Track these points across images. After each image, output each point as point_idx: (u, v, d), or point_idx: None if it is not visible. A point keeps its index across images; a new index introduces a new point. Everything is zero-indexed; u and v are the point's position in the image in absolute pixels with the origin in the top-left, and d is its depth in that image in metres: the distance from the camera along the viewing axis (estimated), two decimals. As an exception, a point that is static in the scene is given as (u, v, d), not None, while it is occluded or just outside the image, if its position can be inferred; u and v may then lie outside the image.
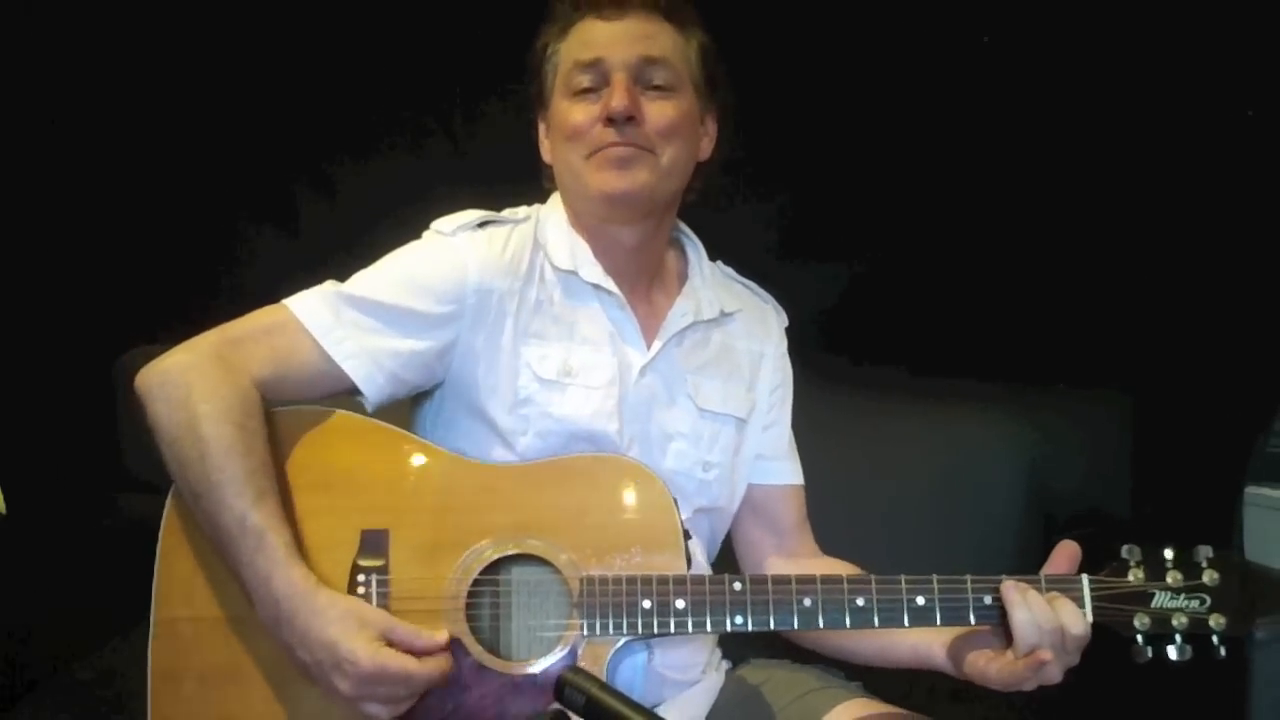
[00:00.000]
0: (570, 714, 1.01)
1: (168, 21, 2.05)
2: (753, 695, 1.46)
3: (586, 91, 1.38)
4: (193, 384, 1.26)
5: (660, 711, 1.36)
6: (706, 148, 1.47)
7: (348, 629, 1.18)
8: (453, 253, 1.37)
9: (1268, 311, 1.97)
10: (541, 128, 1.47)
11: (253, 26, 2.07)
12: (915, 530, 2.02)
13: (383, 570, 1.27)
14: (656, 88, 1.38)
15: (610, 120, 1.35)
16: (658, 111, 1.37)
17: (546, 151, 1.47)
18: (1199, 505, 1.96)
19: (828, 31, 2.08)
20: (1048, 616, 1.22)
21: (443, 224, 1.41)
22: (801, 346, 1.60)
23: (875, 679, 1.48)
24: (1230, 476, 2.00)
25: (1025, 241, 2.14)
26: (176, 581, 1.29)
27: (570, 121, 1.38)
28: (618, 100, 1.34)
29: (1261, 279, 1.98)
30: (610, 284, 1.42)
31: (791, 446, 1.57)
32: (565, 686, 1.01)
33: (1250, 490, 2.02)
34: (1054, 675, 1.24)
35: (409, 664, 1.18)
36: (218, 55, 2.07)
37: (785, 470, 1.55)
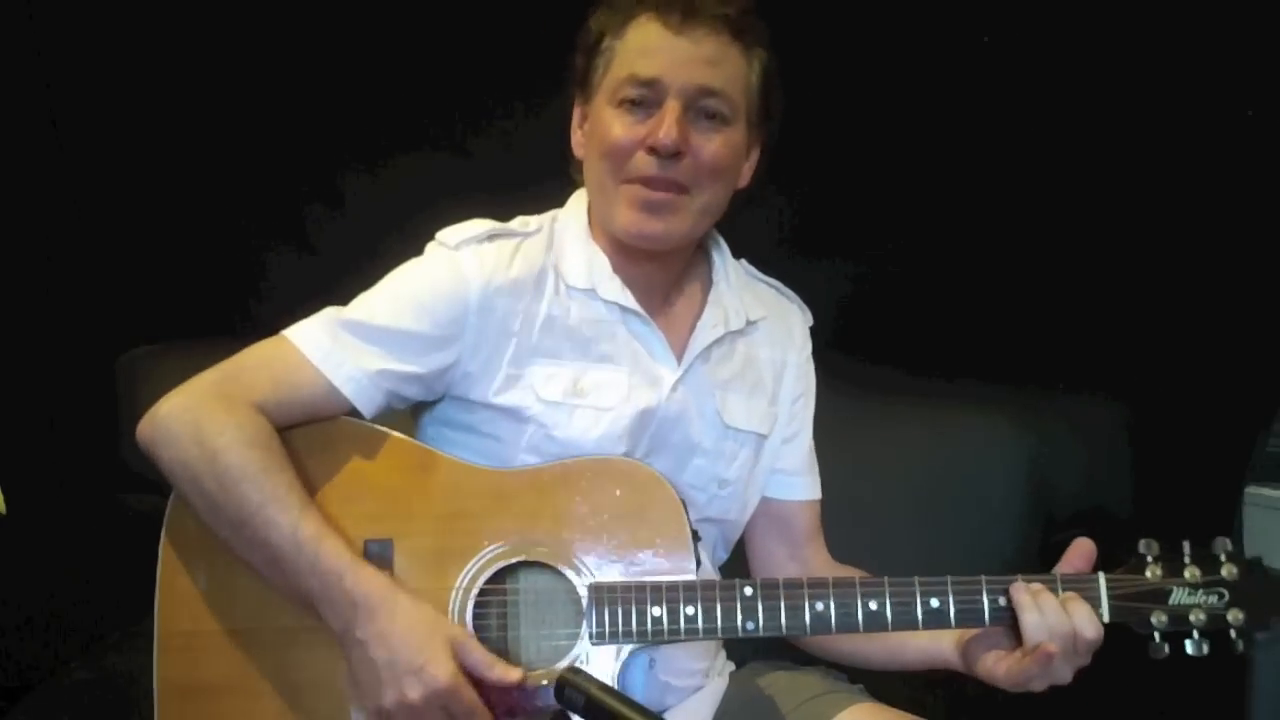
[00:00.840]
0: (570, 714, 1.01)
1: (173, 24, 2.05)
2: (757, 699, 1.45)
3: (635, 105, 1.31)
4: (200, 421, 1.24)
5: (665, 718, 1.36)
6: (746, 174, 1.41)
7: (434, 639, 1.17)
8: (455, 270, 1.33)
9: (1268, 312, 1.97)
10: (577, 114, 1.40)
11: (262, 33, 2.07)
12: (915, 530, 2.02)
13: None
14: (711, 117, 1.31)
15: (653, 150, 1.29)
16: (706, 146, 1.31)
17: (578, 144, 1.40)
18: (1199, 505, 1.96)
19: (829, 31, 2.07)
20: (1060, 620, 1.21)
21: (448, 235, 1.36)
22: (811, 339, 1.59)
23: (876, 681, 1.48)
24: (1230, 476, 2.00)
25: (1025, 241, 2.14)
26: (180, 595, 1.28)
27: (610, 136, 1.31)
28: (665, 133, 1.27)
29: (1262, 279, 1.98)
30: (631, 300, 1.37)
31: (811, 459, 1.53)
32: (565, 687, 1.01)
33: (1250, 490, 2.02)
34: (1064, 675, 1.24)
35: (479, 704, 1.17)
36: (219, 56, 2.07)
37: (803, 485, 1.52)
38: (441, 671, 1.16)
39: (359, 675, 1.20)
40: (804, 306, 1.56)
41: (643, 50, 1.31)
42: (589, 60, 1.36)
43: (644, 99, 1.31)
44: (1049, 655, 1.20)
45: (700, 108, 1.31)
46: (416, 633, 1.17)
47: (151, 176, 2.11)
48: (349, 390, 1.30)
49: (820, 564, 1.52)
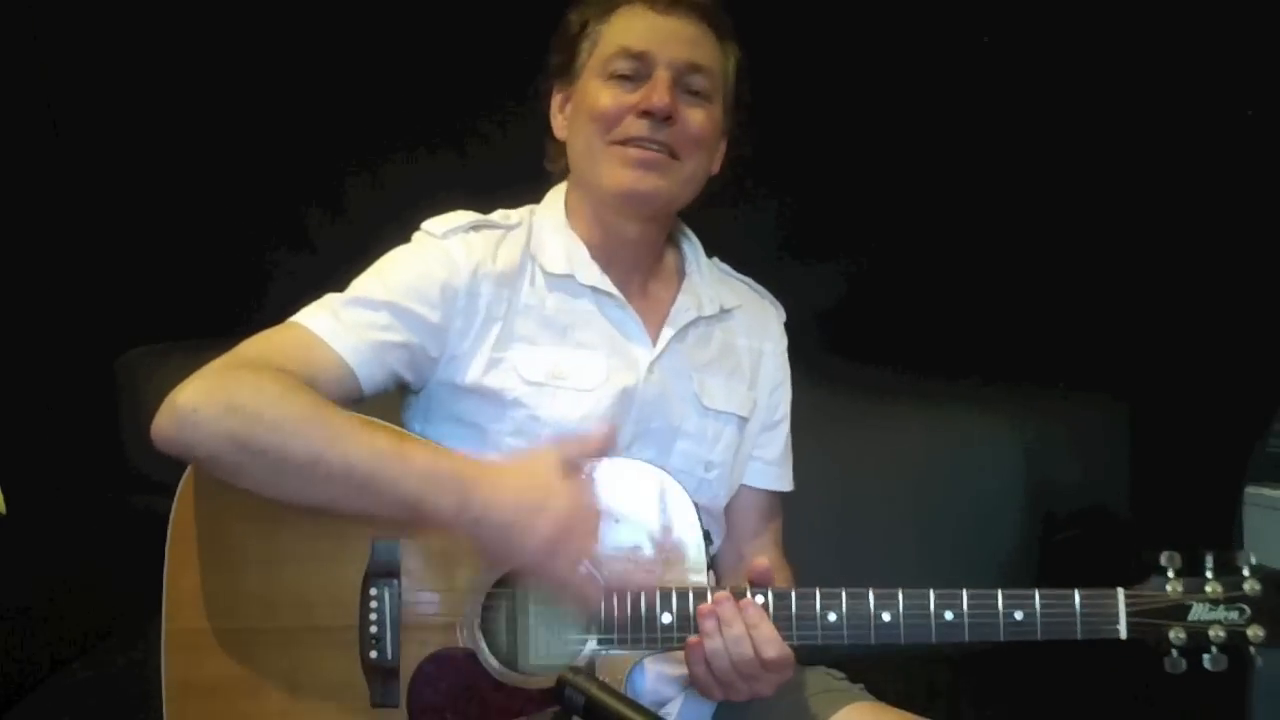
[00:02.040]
0: (570, 714, 1.01)
1: (172, 26, 2.05)
2: (757, 699, 1.44)
3: (624, 79, 1.37)
4: (230, 393, 1.22)
5: (664, 715, 1.36)
6: (717, 162, 1.46)
7: (536, 469, 1.21)
8: (445, 255, 1.36)
9: (1267, 312, 1.97)
10: (556, 101, 1.46)
11: (259, 33, 2.07)
12: (914, 530, 2.03)
13: (395, 580, 1.26)
14: (694, 93, 1.38)
15: (647, 113, 1.34)
16: (693, 117, 1.38)
17: (560, 127, 1.45)
18: (1199, 505, 1.96)
19: (828, 31, 2.07)
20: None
21: (434, 225, 1.39)
22: (800, 346, 1.60)
23: (876, 680, 1.48)
24: (1230, 476, 2.00)
25: (1024, 242, 2.14)
26: (186, 593, 1.28)
27: (599, 103, 1.37)
28: (659, 97, 1.34)
29: (1262, 280, 1.98)
30: (608, 284, 1.41)
31: (787, 450, 1.55)
32: (565, 687, 1.01)
33: (1250, 490, 2.01)
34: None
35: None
36: (218, 58, 2.07)
37: (778, 475, 1.54)
38: (563, 495, 1.19)
39: (498, 548, 1.21)
40: (777, 303, 1.58)
41: (631, 28, 1.39)
42: (573, 46, 1.42)
43: (635, 72, 1.37)
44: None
45: (686, 83, 1.38)
46: (524, 476, 1.21)
47: (151, 177, 2.10)
48: (354, 362, 1.30)
49: (774, 556, 1.51)
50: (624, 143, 1.36)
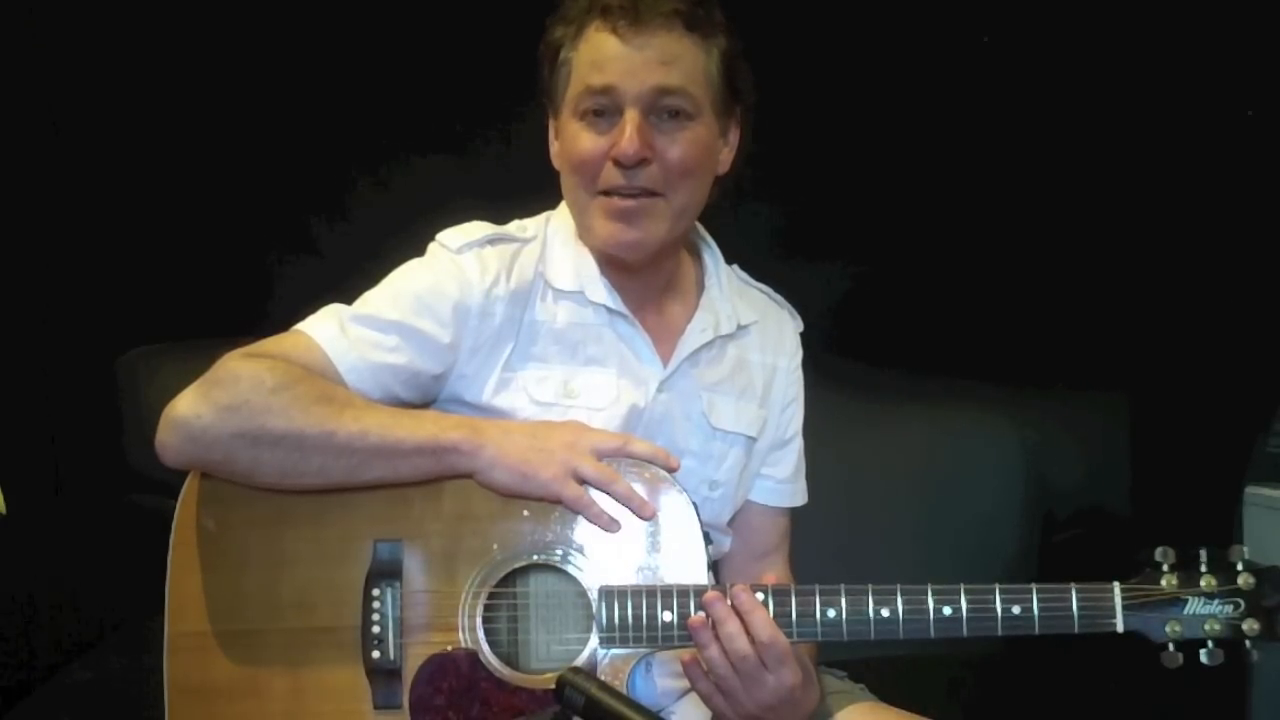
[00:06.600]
0: (570, 714, 1.01)
1: (175, 29, 2.05)
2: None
3: (597, 115, 1.32)
4: (231, 393, 1.23)
5: (665, 719, 1.36)
6: (726, 160, 1.40)
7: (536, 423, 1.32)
8: (458, 273, 1.34)
9: (1267, 311, 1.97)
10: (551, 128, 1.41)
11: (264, 36, 2.07)
12: (914, 530, 2.03)
13: (397, 582, 1.26)
14: (673, 116, 1.31)
15: (617, 161, 1.30)
16: (671, 149, 1.31)
17: (556, 157, 1.41)
18: (1199, 505, 1.96)
19: (828, 31, 2.07)
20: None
21: (449, 238, 1.37)
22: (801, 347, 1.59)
23: (877, 680, 1.48)
24: (1230, 476, 2.01)
25: (1025, 242, 2.14)
26: (189, 596, 1.28)
27: (577, 151, 1.33)
28: (628, 144, 1.28)
29: (1261, 279, 1.98)
30: (618, 302, 1.38)
31: (799, 466, 1.53)
32: (565, 686, 1.00)
33: (1250, 490, 2.02)
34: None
35: (604, 430, 1.32)
36: (221, 59, 2.07)
37: (790, 492, 1.52)
38: (568, 424, 1.29)
39: (512, 473, 1.26)
40: (795, 313, 1.55)
41: (595, 62, 1.31)
42: (552, 74, 1.37)
43: (604, 108, 1.31)
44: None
45: (661, 108, 1.31)
46: (527, 423, 1.30)
47: (153, 178, 2.10)
48: (351, 380, 1.30)
49: (783, 574, 1.49)
50: (605, 193, 1.32)
